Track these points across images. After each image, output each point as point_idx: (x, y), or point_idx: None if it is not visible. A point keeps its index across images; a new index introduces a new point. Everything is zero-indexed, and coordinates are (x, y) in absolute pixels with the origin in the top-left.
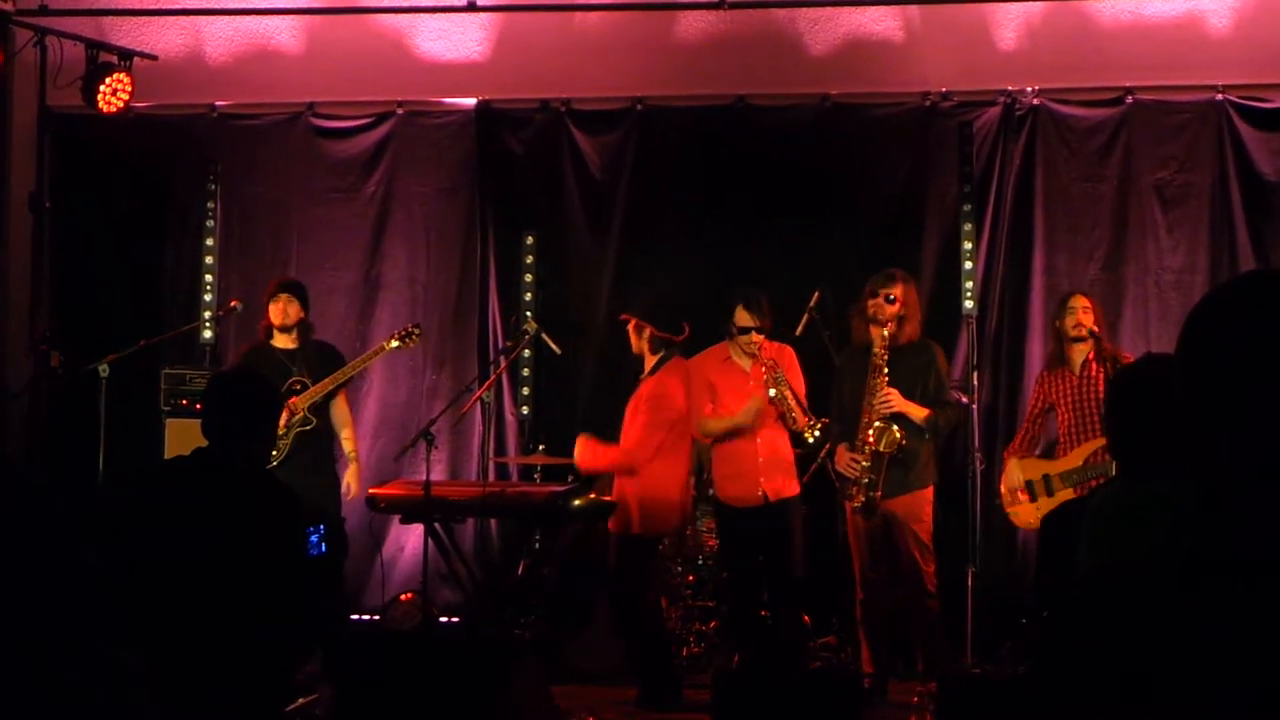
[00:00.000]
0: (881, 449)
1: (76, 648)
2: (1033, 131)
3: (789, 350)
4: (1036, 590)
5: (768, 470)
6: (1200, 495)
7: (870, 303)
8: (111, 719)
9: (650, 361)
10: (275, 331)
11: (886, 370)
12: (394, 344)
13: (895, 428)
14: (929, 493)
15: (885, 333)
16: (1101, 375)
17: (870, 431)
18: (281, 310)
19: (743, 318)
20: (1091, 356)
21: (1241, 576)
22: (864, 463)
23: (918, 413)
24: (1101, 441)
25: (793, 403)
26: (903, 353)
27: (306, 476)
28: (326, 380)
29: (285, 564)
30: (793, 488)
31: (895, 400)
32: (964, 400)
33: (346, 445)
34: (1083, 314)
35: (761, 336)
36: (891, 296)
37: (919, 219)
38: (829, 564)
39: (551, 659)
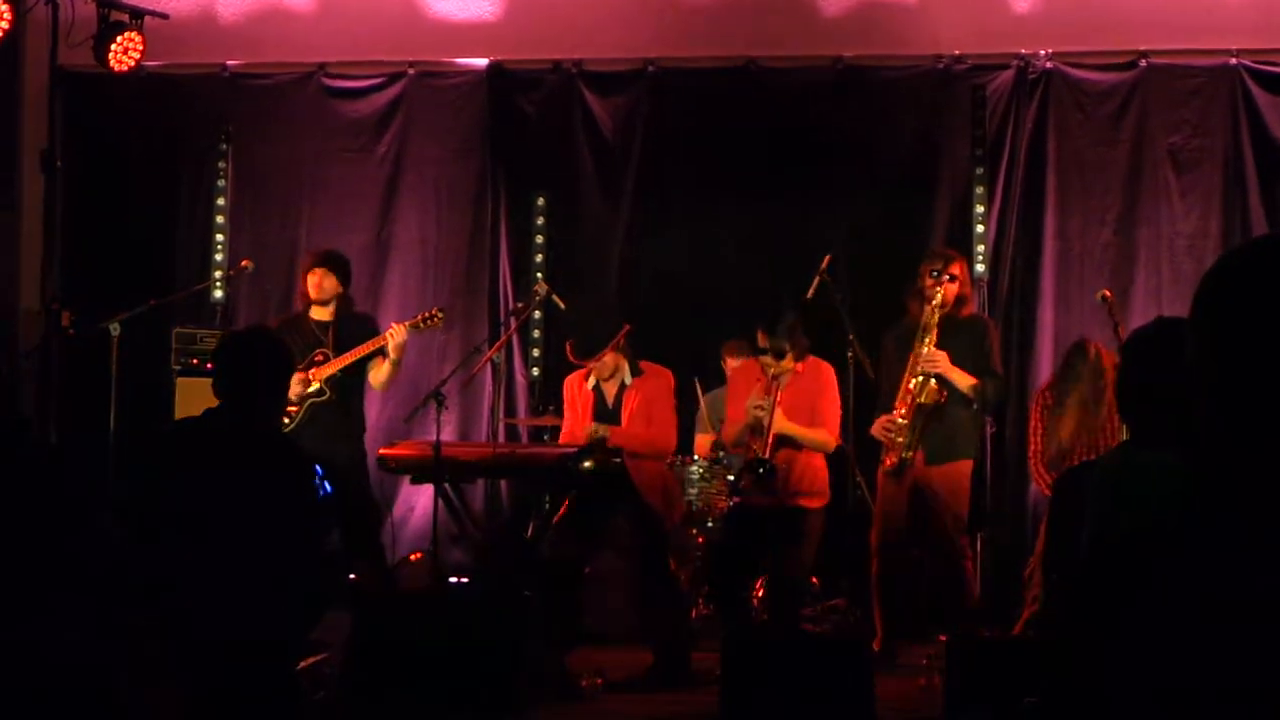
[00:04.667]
0: (922, 400)
1: (79, 609)
2: (1046, 95)
3: (826, 368)
4: (1047, 553)
5: (785, 478)
6: (1206, 459)
7: (929, 283)
8: (108, 678)
9: (624, 365)
10: (313, 305)
11: (935, 332)
12: (400, 328)
13: (933, 381)
14: (968, 466)
15: (936, 300)
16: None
17: (911, 384)
18: (318, 284)
19: (759, 339)
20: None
21: (1246, 537)
22: (900, 420)
23: (964, 380)
24: None
25: (767, 424)
26: (959, 327)
27: (323, 446)
28: (347, 355)
29: (296, 517)
30: (813, 500)
31: (941, 361)
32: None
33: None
34: None
35: (780, 360)
36: (953, 275)
37: (931, 182)
38: (838, 528)
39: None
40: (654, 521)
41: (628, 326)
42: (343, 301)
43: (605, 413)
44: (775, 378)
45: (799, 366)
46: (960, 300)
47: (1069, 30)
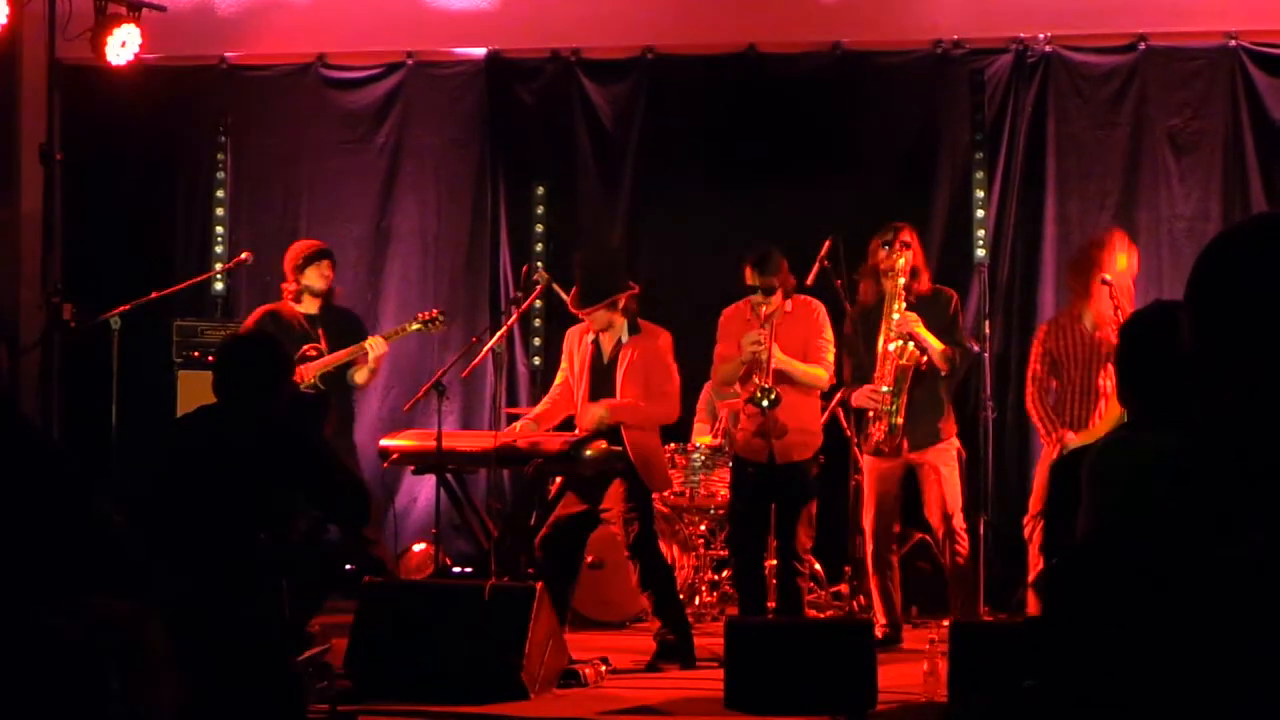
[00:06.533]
0: (903, 362)
1: (79, 599)
2: (1045, 79)
3: (816, 304)
4: (1045, 538)
5: (775, 428)
6: (1201, 441)
7: (881, 254)
8: (110, 671)
9: (621, 324)
10: (305, 296)
11: (902, 296)
12: (414, 327)
13: (911, 345)
14: (954, 444)
15: (898, 265)
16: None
17: (890, 348)
18: (324, 275)
19: (748, 276)
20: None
21: (1241, 522)
22: (885, 388)
23: (936, 344)
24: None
25: (773, 360)
26: (922, 302)
27: None
28: (342, 352)
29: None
30: (804, 451)
31: (914, 323)
32: (975, 348)
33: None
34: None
35: (770, 296)
36: (906, 241)
37: (931, 167)
38: (840, 513)
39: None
40: (642, 493)
41: (636, 288)
42: (329, 293)
43: (601, 368)
44: (767, 317)
45: (787, 304)
46: (915, 272)
47: (1067, 13)
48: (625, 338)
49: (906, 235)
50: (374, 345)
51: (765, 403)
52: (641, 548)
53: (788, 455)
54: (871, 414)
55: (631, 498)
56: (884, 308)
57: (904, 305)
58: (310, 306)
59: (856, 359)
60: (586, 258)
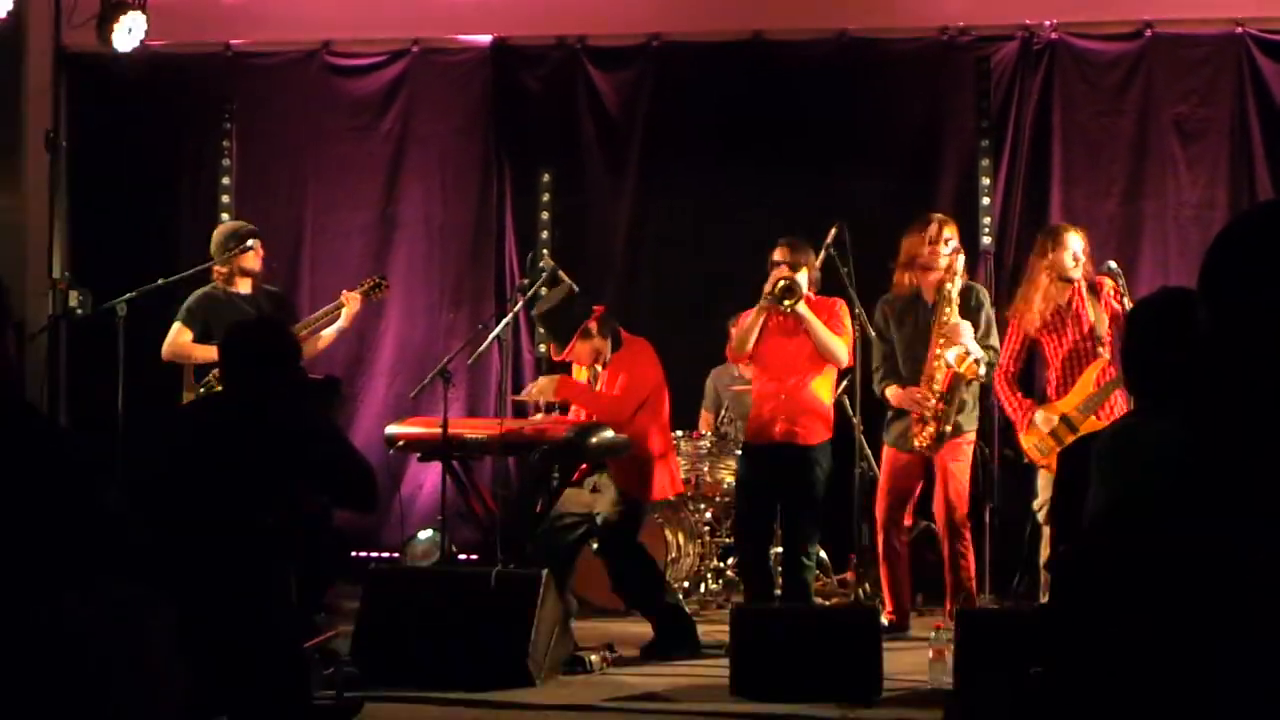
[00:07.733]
0: (961, 371)
1: (83, 588)
2: (1051, 66)
3: (837, 300)
4: (1053, 525)
5: (788, 411)
6: (1204, 435)
7: (926, 251)
8: (114, 660)
9: (605, 346)
10: (236, 277)
11: (955, 303)
12: (356, 297)
13: (971, 355)
14: (972, 438)
15: (954, 268)
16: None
17: (951, 357)
18: (259, 255)
19: (778, 254)
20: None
21: (1247, 507)
22: (933, 398)
23: (978, 353)
24: (1103, 361)
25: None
26: (960, 297)
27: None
28: (298, 326)
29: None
30: (816, 436)
31: (966, 333)
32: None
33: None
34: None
35: (792, 273)
36: (950, 240)
37: (936, 155)
38: (847, 500)
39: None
40: (630, 499)
41: (598, 309)
42: (260, 273)
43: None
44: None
45: (810, 293)
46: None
47: (1073, 0)
48: (609, 357)
49: (950, 231)
50: (352, 301)
51: (786, 301)
52: (611, 549)
53: (794, 437)
54: (915, 416)
55: (620, 501)
56: (935, 309)
57: (956, 309)
58: (246, 286)
59: (887, 348)
60: (541, 311)
